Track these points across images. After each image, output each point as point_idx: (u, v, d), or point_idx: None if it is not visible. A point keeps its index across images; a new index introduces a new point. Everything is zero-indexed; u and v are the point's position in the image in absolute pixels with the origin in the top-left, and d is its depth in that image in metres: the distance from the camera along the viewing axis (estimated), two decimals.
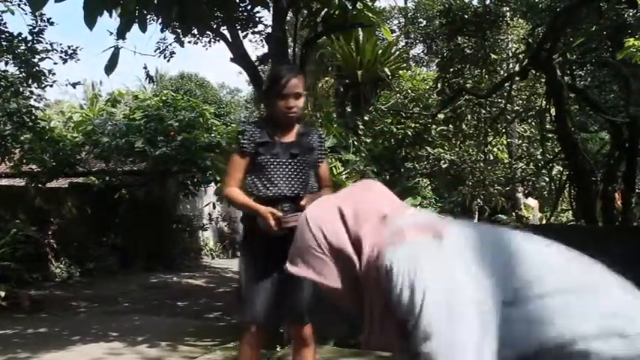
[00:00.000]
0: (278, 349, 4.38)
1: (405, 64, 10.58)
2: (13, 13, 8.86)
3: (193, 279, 11.47)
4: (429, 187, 13.07)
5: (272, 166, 2.88)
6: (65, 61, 9.55)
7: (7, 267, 7.91)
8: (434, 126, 9.46)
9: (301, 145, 2.94)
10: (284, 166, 2.88)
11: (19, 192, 10.77)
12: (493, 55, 8.80)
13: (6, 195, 10.45)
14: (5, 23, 9.00)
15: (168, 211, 13.16)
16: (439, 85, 8.90)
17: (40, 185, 10.89)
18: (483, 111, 9.69)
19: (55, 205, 11.12)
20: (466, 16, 8.11)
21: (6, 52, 8.92)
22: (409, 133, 9.09)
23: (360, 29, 7.79)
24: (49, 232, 10.72)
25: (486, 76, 9.16)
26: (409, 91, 10.49)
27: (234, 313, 4.19)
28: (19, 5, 8.84)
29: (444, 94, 8.81)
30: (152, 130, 11.52)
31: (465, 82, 8.96)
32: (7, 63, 9.18)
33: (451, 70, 8.68)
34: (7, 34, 8.93)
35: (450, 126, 9.51)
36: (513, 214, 14.15)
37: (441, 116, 9.23)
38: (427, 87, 10.40)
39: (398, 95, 10.50)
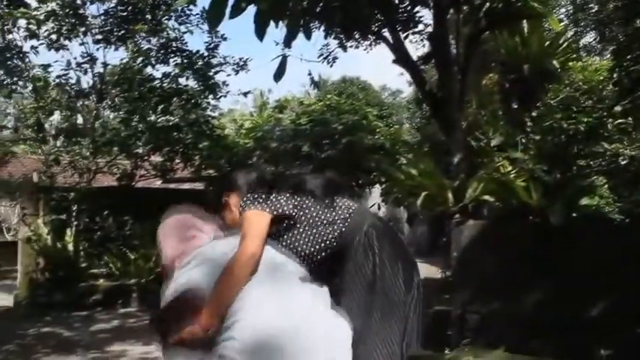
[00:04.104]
0: (447, 351, 4.34)
1: (575, 55, 9.94)
2: (192, 33, 9.72)
3: None
4: (606, 186, 12.11)
5: None
6: (237, 72, 10.24)
7: None
8: (610, 119, 8.75)
9: None
10: None
11: (198, 195, 11.67)
12: None
13: (187, 198, 11.34)
14: (186, 43, 9.89)
15: None
16: (615, 75, 8.24)
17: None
18: None
19: None
20: None
21: (187, 68, 9.77)
22: (582, 128, 8.50)
23: (525, 21, 7.48)
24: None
25: None
26: (581, 83, 9.82)
27: None
28: (197, 25, 9.66)
29: (622, 85, 8.15)
30: (318, 134, 11.91)
31: None
32: (187, 78, 10.05)
33: (629, 57, 7.99)
34: (188, 52, 9.79)
35: (630, 118, 8.75)
36: None
37: (618, 108, 8.53)
38: (601, 78, 9.68)
39: (568, 88, 9.86)
